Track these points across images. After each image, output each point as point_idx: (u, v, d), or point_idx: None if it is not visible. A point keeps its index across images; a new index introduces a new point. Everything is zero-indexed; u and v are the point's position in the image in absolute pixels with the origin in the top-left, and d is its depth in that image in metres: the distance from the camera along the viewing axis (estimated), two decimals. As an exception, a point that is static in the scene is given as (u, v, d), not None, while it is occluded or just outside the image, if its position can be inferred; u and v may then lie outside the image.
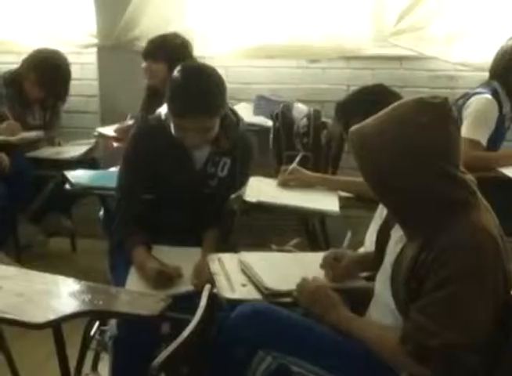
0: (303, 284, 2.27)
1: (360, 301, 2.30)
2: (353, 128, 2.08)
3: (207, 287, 2.23)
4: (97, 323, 2.99)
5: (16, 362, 3.27)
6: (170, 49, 3.96)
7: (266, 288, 2.33)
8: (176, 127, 2.88)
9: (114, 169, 3.56)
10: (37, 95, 4.64)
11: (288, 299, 2.30)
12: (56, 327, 2.36)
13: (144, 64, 4.04)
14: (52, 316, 2.26)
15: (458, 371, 1.92)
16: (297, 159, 3.48)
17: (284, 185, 3.35)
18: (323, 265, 2.51)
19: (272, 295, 2.32)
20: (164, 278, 2.70)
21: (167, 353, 1.79)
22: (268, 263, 2.53)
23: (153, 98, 3.93)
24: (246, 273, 2.46)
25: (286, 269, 2.52)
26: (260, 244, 3.25)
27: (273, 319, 2.15)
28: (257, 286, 2.37)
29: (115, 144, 4.21)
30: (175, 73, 2.91)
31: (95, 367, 3.25)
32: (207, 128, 2.88)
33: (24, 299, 2.36)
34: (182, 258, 2.84)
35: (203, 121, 2.84)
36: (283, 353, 2.07)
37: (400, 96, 2.73)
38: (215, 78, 2.91)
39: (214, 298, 2.21)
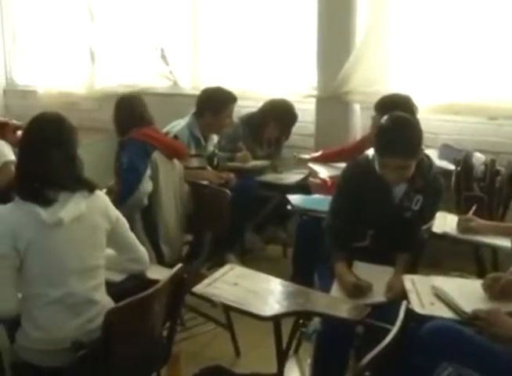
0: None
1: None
2: None
3: (404, 302, 2.15)
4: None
5: (238, 338, 3.35)
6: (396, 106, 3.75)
7: (464, 312, 2.23)
8: (380, 164, 2.82)
9: (324, 197, 3.54)
10: (275, 136, 4.73)
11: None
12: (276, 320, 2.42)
13: (373, 115, 3.90)
14: (273, 312, 2.34)
15: None
16: (473, 209, 3.26)
17: (464, 232, 3.10)
18: (483, 285, 2.40)
19: (469, 318, 2.20)
20: (357, 290, 2.65)
21: (372, 355, 1.72)
22: (459, 289, 2.39)
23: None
24: (440, 297, 2.35)
25: (471, 293, 2.38)
26: (434, 264, 3.12)
27: (459, 336, 2.06)
28: (455, 309, 2.25)
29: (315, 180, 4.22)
30: (384, 119, 2.88)
31: (296, 351, 3.28)
32: (405, 167, 2.79)
33: (254, 295, 2.43)
34: (375, 274, 2.77)
35: (402, 161, 2.76)
36: (463, 365, 1.95)
37: None
38: (416, 128, 2.86)
39: (408, 311, 2.12)
